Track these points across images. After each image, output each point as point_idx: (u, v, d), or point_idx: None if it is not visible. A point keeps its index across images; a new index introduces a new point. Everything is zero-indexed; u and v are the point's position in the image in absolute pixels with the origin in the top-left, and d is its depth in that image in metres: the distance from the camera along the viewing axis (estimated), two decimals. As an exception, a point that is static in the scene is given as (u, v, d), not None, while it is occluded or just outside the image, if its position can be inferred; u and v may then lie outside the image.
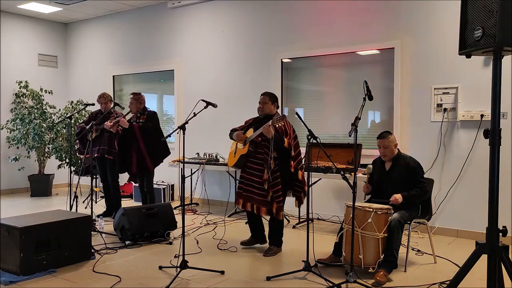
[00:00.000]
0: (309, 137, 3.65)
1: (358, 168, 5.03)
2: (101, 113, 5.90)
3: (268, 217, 4.38)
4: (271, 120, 4.06)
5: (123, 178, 7.23)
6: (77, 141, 6.01)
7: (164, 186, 7.13)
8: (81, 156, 5.89)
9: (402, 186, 3.93)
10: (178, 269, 3.66)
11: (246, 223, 4.74)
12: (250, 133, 4.35)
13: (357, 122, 3.47)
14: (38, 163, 8.06)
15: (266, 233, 4.55)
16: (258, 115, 4.45)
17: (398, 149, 4.11)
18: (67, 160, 7.80)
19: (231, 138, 4.52)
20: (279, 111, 4.51)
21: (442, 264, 4.09)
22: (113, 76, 8.45)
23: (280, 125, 4.06)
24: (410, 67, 5.36)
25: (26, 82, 8.16)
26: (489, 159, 2.53)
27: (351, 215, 3.58)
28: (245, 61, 6.75)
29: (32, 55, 8.65)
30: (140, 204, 5.92)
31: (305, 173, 4.17)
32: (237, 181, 4.48)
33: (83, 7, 7.88)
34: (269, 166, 4.13)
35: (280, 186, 4.17)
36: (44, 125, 7.88)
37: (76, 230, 4.07)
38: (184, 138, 3.78)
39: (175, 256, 4.18)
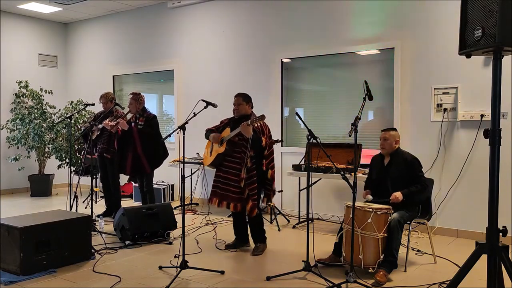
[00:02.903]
0: (309, 137, 3.65)
1: (358, 168, 5.03)
2: (103, 113, 5.92)
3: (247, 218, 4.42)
4: (249, 120, 4.09)
5: (123, 178, 7.22)
6: (83, 141, 6.05)
7: (164, 186, 7.13)
8: (88, 156, 5.93)
9: (401, 182, 3.94)
10: (178, 269, 3.66)
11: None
12: (227, 132, 4.39)
13: (357, 122, 3.47)
14: (38, 163, 8.06)
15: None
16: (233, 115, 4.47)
17: (399, 146, 4.11)
18: (67, 160, 7.80)
19: (207, 138, 4.56)
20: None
21: (442, 264, 4.09)
22: (113, 76, 8.45)
23: (257, 124, 4.09)
24: (410, 67, 5.36)
25: (26, 82, 8.16)
26: (489, 159, 2.52)
27: (351, 215, 3.58)
28: (245, 61, 6.75)
29: (32, 55, 8.65)
30: (140, 204, 5.91)
31: (275, 172, 4.40)
32: (213, 180, 4.48)
33: (83, 7, 7.88)
34: (246, 164, 4.19)
35: (256, 185, 4.24)
36: (44, 125, 7.87)
37: (76, 230, 4.07)
38: (184, 138, 3.78)
39: (175, 256, 4.18)
